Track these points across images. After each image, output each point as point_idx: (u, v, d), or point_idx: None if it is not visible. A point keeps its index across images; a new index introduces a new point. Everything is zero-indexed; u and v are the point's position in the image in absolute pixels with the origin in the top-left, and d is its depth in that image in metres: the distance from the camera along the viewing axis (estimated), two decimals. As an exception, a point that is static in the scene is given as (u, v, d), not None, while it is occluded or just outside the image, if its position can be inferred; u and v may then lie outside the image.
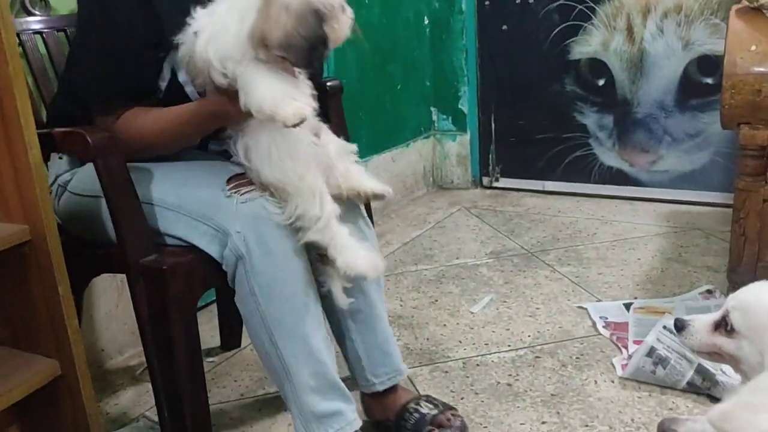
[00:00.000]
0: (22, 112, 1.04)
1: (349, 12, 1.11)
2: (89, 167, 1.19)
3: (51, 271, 1.08)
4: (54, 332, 1.12)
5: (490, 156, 2.97)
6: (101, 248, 1.23)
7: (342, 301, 1.22)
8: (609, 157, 2.72)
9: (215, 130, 1.22)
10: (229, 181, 1.16)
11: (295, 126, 1.05)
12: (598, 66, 2.65)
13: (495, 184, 2.98)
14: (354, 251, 1.14)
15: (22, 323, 1.17)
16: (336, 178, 1.19)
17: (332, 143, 1.22)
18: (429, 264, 2.23)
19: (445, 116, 2.99)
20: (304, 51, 1.04)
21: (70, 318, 1.10)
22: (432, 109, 3.00)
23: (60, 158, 1.32)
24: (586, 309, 1.84)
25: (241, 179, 1.17)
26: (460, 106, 2.94)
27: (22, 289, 1.13)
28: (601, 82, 2.66)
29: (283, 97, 1.05)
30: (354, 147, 1.26)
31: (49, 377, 1.12)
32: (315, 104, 1.11)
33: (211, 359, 1.72)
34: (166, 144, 1.22)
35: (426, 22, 2.88)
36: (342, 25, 1.08)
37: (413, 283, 2.09)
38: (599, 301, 1.89)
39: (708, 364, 1.42)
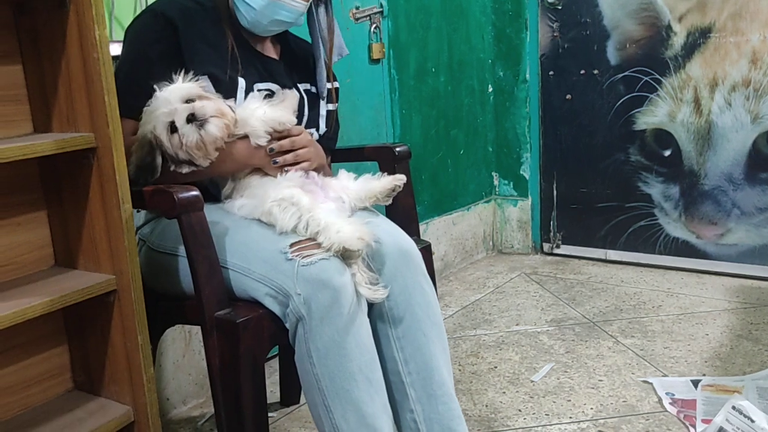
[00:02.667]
0: (118, 169, 1.11)
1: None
2: (170, 224, 1.25)
3: (132, 321, 1.13)
4: (130, 380, 1.17)
5: (552, 222, 2.96)
6: (176, 300, 1.28)
7: (368, 293, 1.19)
8: (675, 228, 2.68)
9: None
10: (292, 244, 1.18)
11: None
12: (663, 137, 2.64)
13: (556, 251, 2.96)
14: (335, 225, 1.16)
15: (99, 369, 1.22)
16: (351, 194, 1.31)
17: (328, 177, 1.36)
18: (488, 329, 2.22)
19: (506, 181, 3.01)
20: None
21: (147, 366, 1.15)
22: (493, 174, 3.03)
23: (138, 212, 1.39)
24: (651, 384, 1.79)
25: (304, 243, 1.19)
26: (521, 172, 2.96)
27: (103, 336, 1.19)
28: (666, 153, 2.65)
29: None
30: (343, 170, 1.38)
31: (123, 423, 1.16)
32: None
33: (270, 414, 1.73)
34: None
35: (490, 90, 2.94)
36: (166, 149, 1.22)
37: (472, 347, 2.08)
38: (665, 376, 1.83)
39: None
